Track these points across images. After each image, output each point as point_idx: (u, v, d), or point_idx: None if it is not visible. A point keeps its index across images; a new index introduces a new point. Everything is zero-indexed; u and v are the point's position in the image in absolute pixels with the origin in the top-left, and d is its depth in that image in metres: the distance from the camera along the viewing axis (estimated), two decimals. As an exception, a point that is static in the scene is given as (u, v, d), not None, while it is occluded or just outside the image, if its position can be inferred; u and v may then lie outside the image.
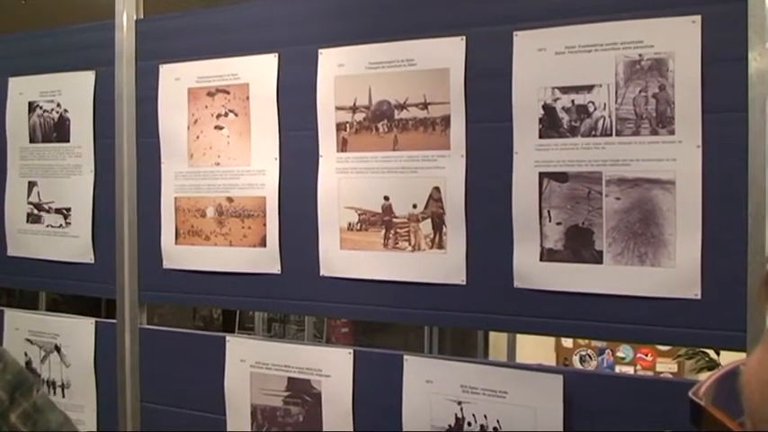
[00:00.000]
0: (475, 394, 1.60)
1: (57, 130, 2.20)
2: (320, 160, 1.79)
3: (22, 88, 2.28)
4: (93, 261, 2.11)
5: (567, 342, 3.90)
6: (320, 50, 1.78)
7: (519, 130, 1.57)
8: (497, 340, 3.59)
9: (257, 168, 1.86)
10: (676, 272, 1.44)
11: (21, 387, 1.41)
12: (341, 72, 1.76)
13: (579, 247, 1.52)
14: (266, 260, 1.85)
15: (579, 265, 1.52)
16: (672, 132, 1.44)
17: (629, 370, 3.86)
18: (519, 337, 3.49)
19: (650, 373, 3.77)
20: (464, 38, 1.62)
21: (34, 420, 1.41)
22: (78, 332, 2.17)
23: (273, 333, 4.53)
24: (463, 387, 1.62)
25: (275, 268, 1.84)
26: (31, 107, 2.25)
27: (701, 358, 3.42)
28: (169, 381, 2.00)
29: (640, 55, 1.47)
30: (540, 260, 1.55)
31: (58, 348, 2.20)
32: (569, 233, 1.53)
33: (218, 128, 1.91)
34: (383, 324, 3.35)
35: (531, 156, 1.55)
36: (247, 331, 4.55)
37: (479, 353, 3.46)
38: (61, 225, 2.18)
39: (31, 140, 2.24)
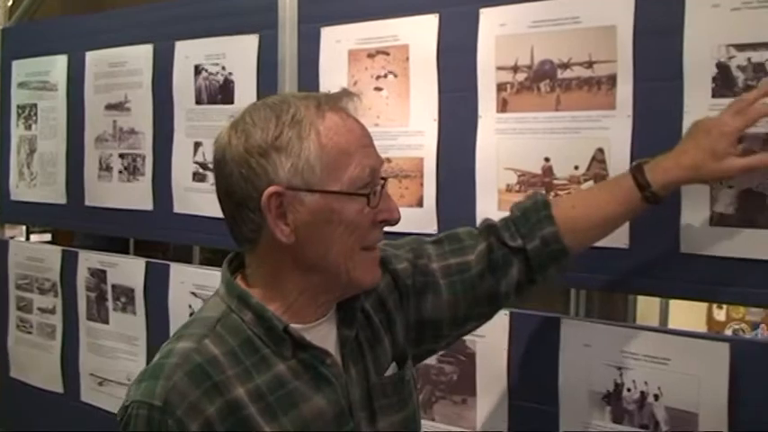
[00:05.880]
0: (635, 360, 1.57)
1: (221, 93, 2.28)
2: (479, 121, 1.78)
3: (188, 52, 2.37)
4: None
5: (720, 315, 3.76)
6: (481, 10, 1.77)
7: (690, 90, 1.51)
8: (645, 308, 3.49)
9: (415, 129, 1.88)
10: None
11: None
12: (502, 31, 1.74)
13: (753, 211, 1.46)
14: (423, 220, 1.87)
15: (752, 231, 1.45)
16: None
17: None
18: (670, 306, 3.39)
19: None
20: (633, -7, 1.58)
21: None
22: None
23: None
24: (623, 352, 1.59)
25: (432, 228, 1.86)
26: (197, 70, 2.34)
27: None
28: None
29: (824, 10, 1.39)
30: (710, 225, 1.50)
31: (220, 301, 2.29)
32: (742, 197, 1.47)
33: (378, 89, 1.94)
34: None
35: (703, 116, 1.48)
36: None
37: (629, 319, 3.38)
38: (225, 184, 2.26)
39: (197, 102, 2.34)
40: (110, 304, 2.60)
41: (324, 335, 1.21)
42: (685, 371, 1.52)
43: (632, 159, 1.57)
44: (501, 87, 1.75)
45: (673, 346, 1.54)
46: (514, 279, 1.39)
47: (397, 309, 1.34)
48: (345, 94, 1.19)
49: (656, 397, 1.55)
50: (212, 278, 2.31)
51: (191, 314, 2.32)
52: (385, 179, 1.19)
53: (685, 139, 1.40)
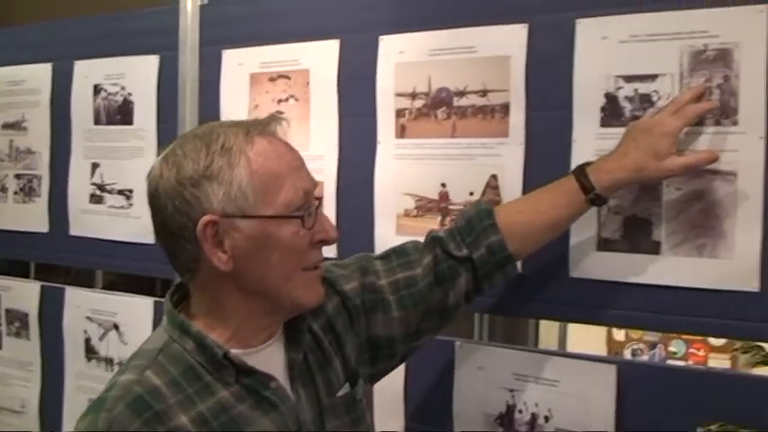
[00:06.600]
0: (527, 382, 1.61)
1: (120, 113, 2.25)
2: (378, 146, 1.80)
3: (88, 71, 2.33)
4: (153, 241, 2.14)
5: (619, 335, 3.88)
6: (381, 37, 1.79)
7: (579, 119, 1.56)
8: (547, 330, 3.57)
9: (316, 153, 1.88)
10: (735, 264, 1.42)
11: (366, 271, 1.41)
12: (401, 59, 1.77)
13: (637, 237, 1.51)
14: (322, 244, 1.87)
15: (636, 256, 1.51)
16: (735, 123, 1.42)
17: (681, 365, 3.81)
18: (570, 328, 3.47)
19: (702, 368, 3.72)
20: (526, 25, 1.62)
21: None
22: (137, 311, 2.22)
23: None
24: (516, 375, 1.62)
25: (331, 253, 1.85)
26: (96, 90, 2.30)
27: (756, 352, 3.36)
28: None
29: (705, 45, 1.45)
30: (597, 250, 1.55)
31: (116, 326, 2.25)
32: (627, 223, 1.52)
33: (279, 113, 1.93)
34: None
35: (591, 144, 1.54)
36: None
37: (530, 342, 3.46)
38: (123, 206, 2.23)
39: (96, 122, 2.30)
40: (3, 329, 2.52)
41: (270, 359, 1.21)
42: (574, 392, 1.55)
43: (524, 186, 1.62)
44: (400, 113, 1.77)
45: (562, 369, 1.58)
46: (462, 289, 1.42)
47: (347, 330, 1.35)
48: (273, 119, 1.20)
49: (547, 418, 1.58)
50: (110, 303, 2.27)
51: (86, 339, 2.29)
52: (320, 199, 1.21)
53: (625, 140, 1.42)
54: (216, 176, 1.12)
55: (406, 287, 1.39)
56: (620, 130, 1.49)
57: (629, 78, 1.52)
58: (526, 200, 1.52)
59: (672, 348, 3.88)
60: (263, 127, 1.18)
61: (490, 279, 1.43)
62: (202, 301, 1.20)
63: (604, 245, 1.54)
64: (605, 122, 1.54)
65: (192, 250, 1.14)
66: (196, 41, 2.08)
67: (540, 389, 1.59)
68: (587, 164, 1.43)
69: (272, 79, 1.95)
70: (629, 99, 1.52)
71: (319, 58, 1.88)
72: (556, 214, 1.44)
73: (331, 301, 1.33)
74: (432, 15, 1.73)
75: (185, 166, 1.13)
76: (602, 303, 1.55)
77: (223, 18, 2.06)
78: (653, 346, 3.91)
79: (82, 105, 2.34)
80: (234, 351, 1.16)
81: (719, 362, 3.80)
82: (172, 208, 1.13)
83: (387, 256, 1.44)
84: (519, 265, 1.60)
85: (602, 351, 3.81)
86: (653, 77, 1.50)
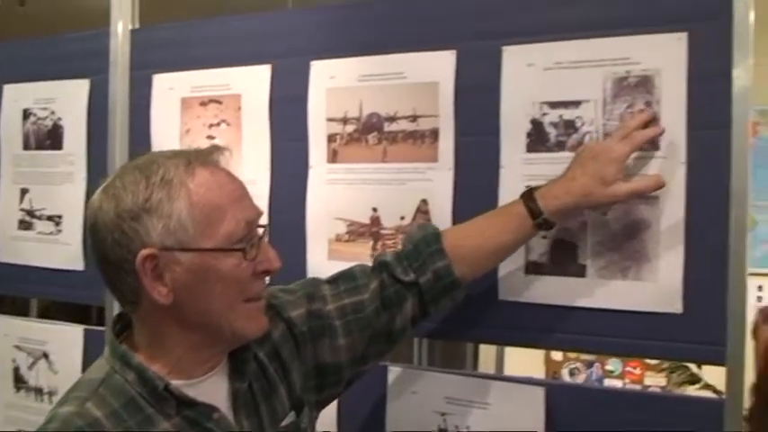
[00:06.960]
0: (459, 406, 1.61)
1: (50, 138, 2.21)
2: (310, 171, 1.80)
3: (17, 95, 2.30)
4: (83, 268, 2.12)
5: (557, 355, 3.92)
6: (312, 62, 1.80)
7: (506, 144, 1.58)
8: (487, 353, 3.60)
9: (248, 178, 1.84)
10: (658, 286, 1.45)
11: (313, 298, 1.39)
12: (332, 84, 1.78)
13: (564, 260, 1.53)
14: (255, 269, 1.86)
15: (563, 279, 1.53)
16: (657, 148, 1.46)
17: (618, 383, 3.88)
18: (508, 350, 3.50)
19: (638, 387, 3.79)
20: (454, 52, 1.64)
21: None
22: (67, 339, 2.17)
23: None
24: (447, 398, 1.63)
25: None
26: (26, 114, 2.26)
27: (683, 372, 3.44)
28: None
29: (627, 71, 1.49)
30: (525, 273, 1.57)
31: (46, 355, 2.20)
32: (554, 246, 1.54)
33: (210, 138, 1.93)
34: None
35: (517, 169, 1.56)
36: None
37: (468, 365, 3.48)
38: (52, 232, 2.19)
39: (25, 147, 2.26)
40: (-72, 359, 2.44)
41: (213, 389, 1.20)
42: (505, 415, 1.57)
43: (454, 210, 1.63)
44: (331, 138, 1.78)
45: (493, 391, 1.59)
46: (409, 314, 1.41)
47: (293, 357, 1.33)
48: (215, 149, 1.19)
49: (478, 441, 1.59)
50: (39, 331, 2.23)
51: (15, 368, 2.24)
52: (264, 227, 1.19)
53: (573, 165, 1.42)
54: (155, 209, 1.10)
55: (353, 312, 1.38)
56: (546, 156, 1.53)
57: (554, 105, 1.55)
58: (473, 224, 1.51)
59: (609, 367, 3.94)
60: (204, 157, 1.16)
61: (437, 304, 1.43)
62: (144, 333, 1.18)
63: (532, 268, 1.56)
64: (531, 148, 1.56)
65: (133, 283, 1.12)
66: (127, 65, 2.06)
67: (472, 412, 1.60)
68: (535, 188, 1.43)
69: (203, 104, 1.94)
70: (554, 125, 1.55)
71: (251, 83, 1.88)
72: (503, 239, 1.44)
73: (277, 328, 1.32)
74: (362, 41, 1.75)
75: (124, 199, 1.11)
76: (531, 326, 1.56)
77: (154, 42, 2.05)
78: (590, 365, 3.96)
79: (11, 130, 2.29)
80: (175, 382, 1.14)
81: (655, 380, 3.86)
82: (111, 241, 1.11)
83: (334, 280, 1.43)
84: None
85: (540, 371, 3.86)
86: (577, 104, 1.53)
